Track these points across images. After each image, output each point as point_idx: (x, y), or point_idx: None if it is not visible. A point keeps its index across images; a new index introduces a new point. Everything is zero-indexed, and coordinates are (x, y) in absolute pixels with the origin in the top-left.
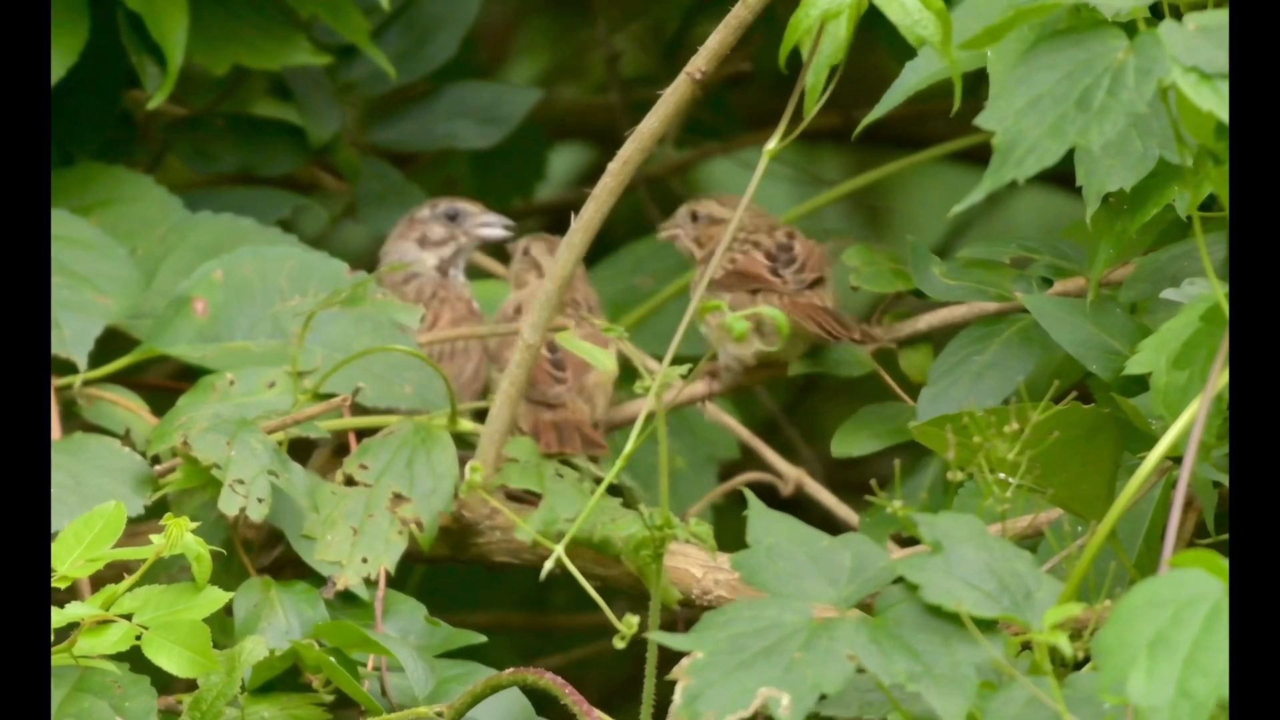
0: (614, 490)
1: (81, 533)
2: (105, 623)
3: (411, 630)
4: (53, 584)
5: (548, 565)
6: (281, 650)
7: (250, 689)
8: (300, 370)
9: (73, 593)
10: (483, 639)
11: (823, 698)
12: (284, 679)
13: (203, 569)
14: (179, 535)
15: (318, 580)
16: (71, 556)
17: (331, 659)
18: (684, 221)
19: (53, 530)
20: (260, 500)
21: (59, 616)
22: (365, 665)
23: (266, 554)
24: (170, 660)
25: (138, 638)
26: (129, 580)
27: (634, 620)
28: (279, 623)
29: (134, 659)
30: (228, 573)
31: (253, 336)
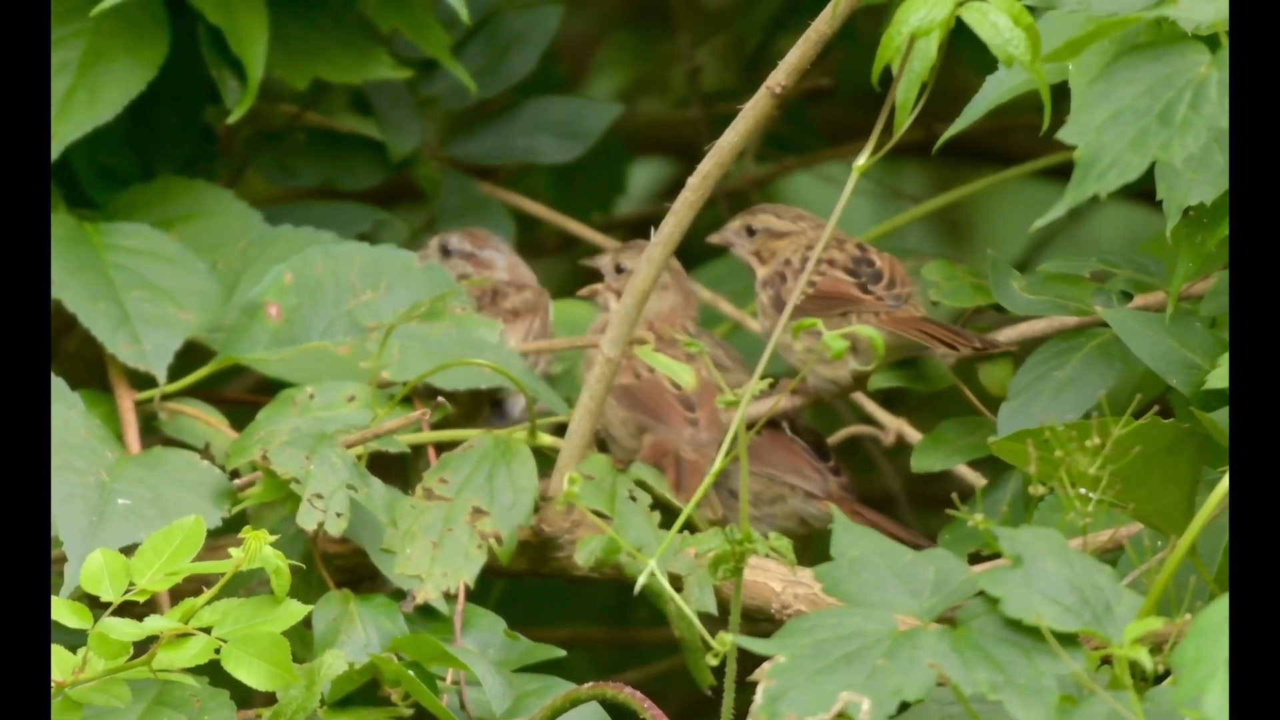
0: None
1: (161, 546)
2: (184, 636)
3: (491, 644)
4: (132, 597)
5: (640, 581)
6: (360, 664)
7: (329, 703)
8: (381, 382)
9: (152, 606)
10: (561, 653)
11: (904, 707)
12: (362, 692)
13: (281, 582)
14: (258, 548)
15: (397, 594)
16: (151, 570)
17: (410, 673)
18: (739, 235)
19: (132, 543)
20: (339, 515)
21: (138, 629)
22: (444, 680)
23: (346, 567)
24: (250, 673)
25: (217, 651)
26: (208, 593)
27: (727, 638)
28: (358, 636)
29: (213, 673)
30: (307, 586)
31: (330, 336)
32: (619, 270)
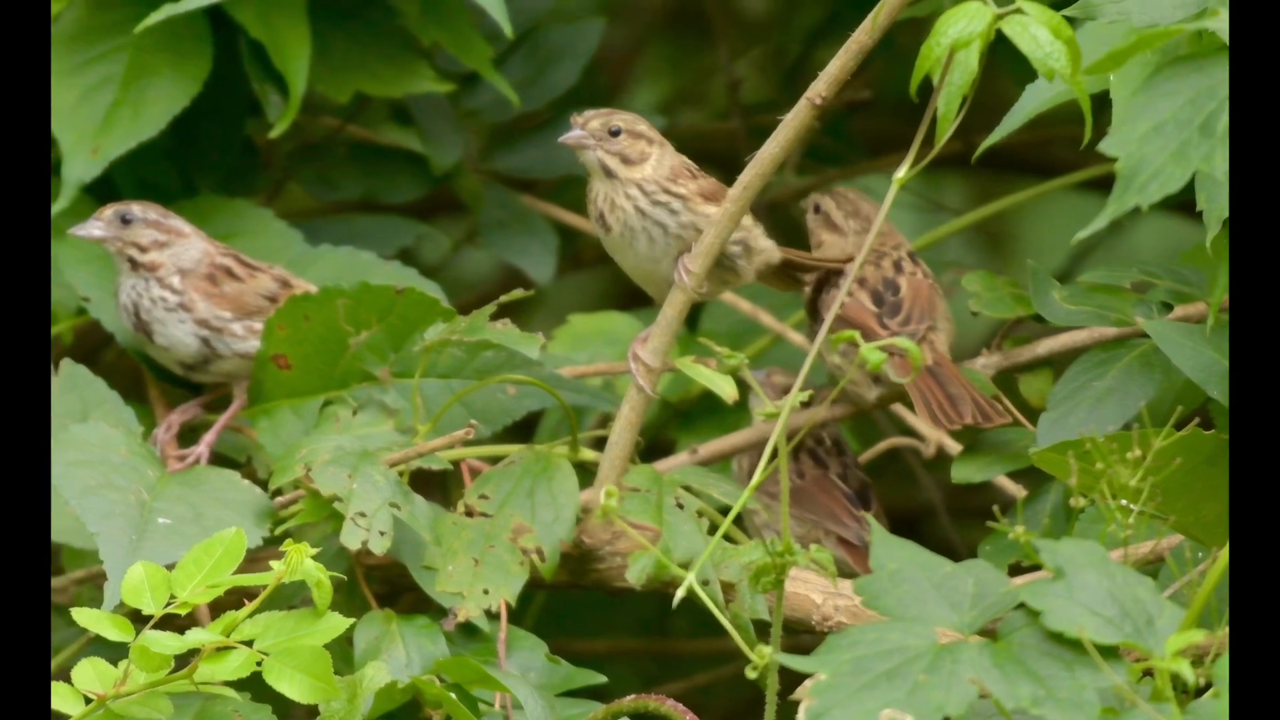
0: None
1: (202, 559)
2: (226, 649)
3: (532, 667)
4: (172, 610)
5: (679, 594)
6: (403, 684)
7: (370, 719)
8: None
9: (193, 620)
10: (603, 679)
11: None
12: (403, 712)
13: (323, 595)
14: (299, 561)
15: (439, 611)
16: (192, 583)
17: (452, 696)
18: (809, 208)
19: (172, 562)
20: (382, 533)
21: (180, 643)
22: (491, 705)
23: (386, 579)
24: (291, 686)
25: (258, 664)
26: (249, 606)
27: (766, 650)
28: (399, 656)
29: (255, 687)
30: (350, 603)
31: (344, 384)
32: (613, 134)
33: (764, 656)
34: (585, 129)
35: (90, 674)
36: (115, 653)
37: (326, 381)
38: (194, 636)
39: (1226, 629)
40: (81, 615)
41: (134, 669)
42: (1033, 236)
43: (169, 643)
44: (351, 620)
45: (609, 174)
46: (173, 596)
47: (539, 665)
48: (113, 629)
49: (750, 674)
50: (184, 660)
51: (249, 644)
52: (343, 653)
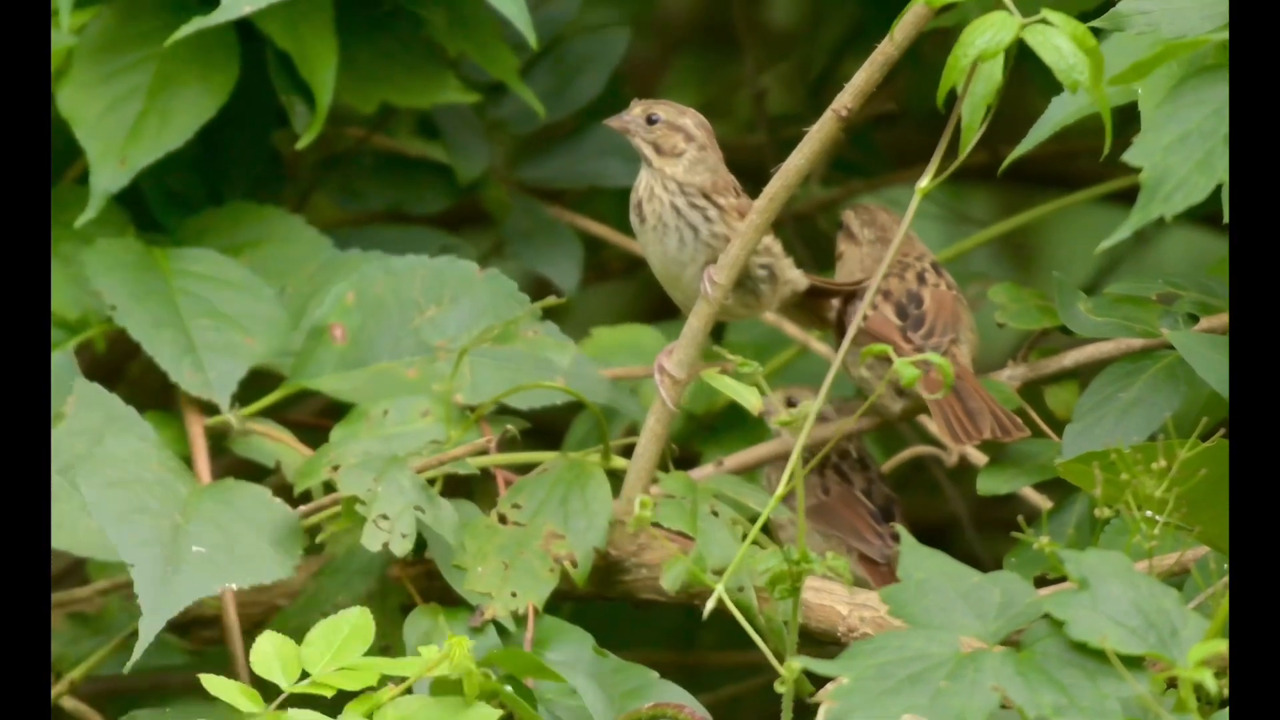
0: (767, 532)
1: (330, 636)
2: None
3: (580, 660)
4: (305, 689)
5: (710, 605)
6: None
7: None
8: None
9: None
10: (654, 674)
11: None
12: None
13: (472, 685)
14: (460, 654)
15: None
16: (322, 660)
17: (508, 688)
18: (845, 223)
19: (208, 594)
20: (404, 536)
21: None
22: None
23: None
24: None
25: None
26: (395, 690)
27: (795, 665)
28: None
29: None
30: (383, 606)
31: (397, 355)
32: (650, 121)
33: (794, 671)
34: (632, 115)
35: None
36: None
37: (381, 353)
38: None
39: None
40: (212, 683)
41: None
42: (1059, 249)
43: None
44: (500, 713)
45: (645, 160)
46: (305, 673)
47: (586, 658)
48: (244, 700)
49: (779, 688)
50: None
51: None
52: None
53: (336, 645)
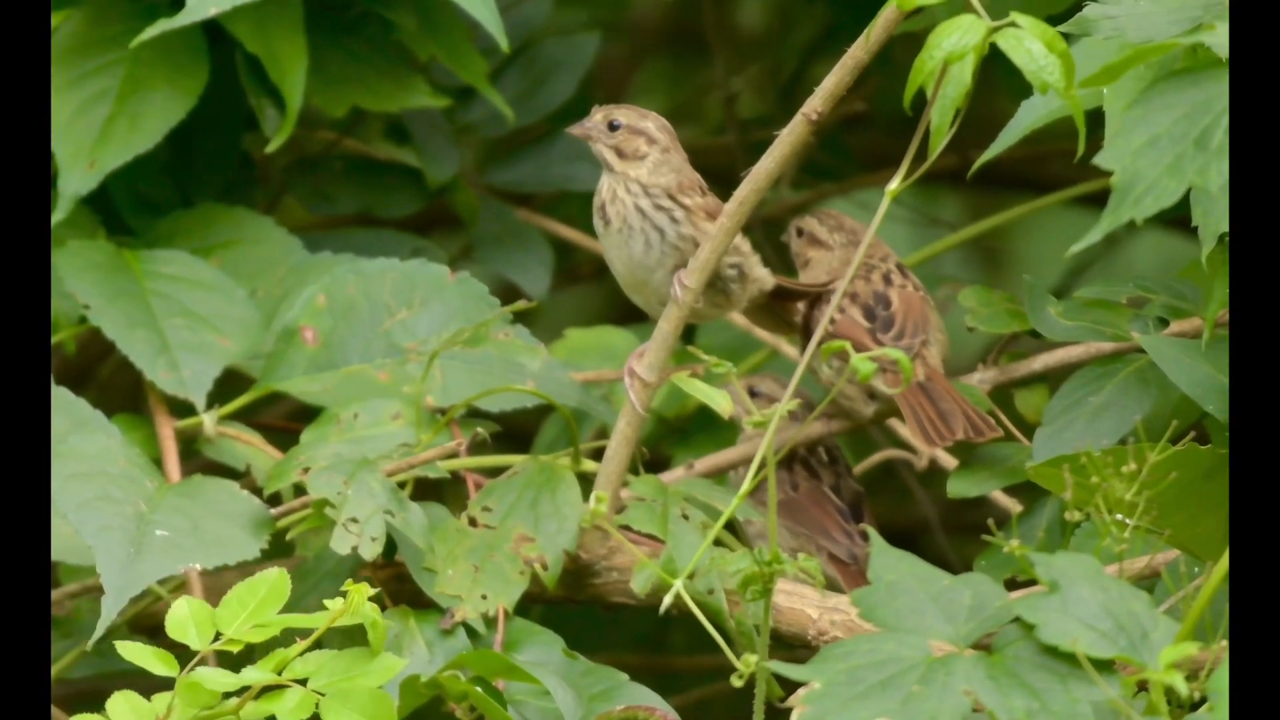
0: (734, 528)
1: (245, 597)
2: (280, 688)
3: (549, 662)
4: (222, 647)
5: (666, 601)
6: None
7: (400, 718)
8: (426, 405)
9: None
10: (624, 676)
11: None
12: (427, 709)
13: (378, 635)
14: (360, 601)
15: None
16: (237, 620)
17: (478, 689)
18: (792, 234)
19: (171, 574)
20: (374, 539)
21: (233, 680)
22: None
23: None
24: None
25: (315, 705)
26: (302, 644)
27: (752, 659)
28: (421, 652)
29: None
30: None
31: (368, 358)
32: (612, 127)
33: (750, 665)
34: (593, 121)
35: (124, 709)
36: (101, 668)
37: (352, 355)
38: (249, 675)
39: (1221, 643)
40: (126, 649)
41: (178, 703)
42: (1029, 252)
43: (221, 680)
44: (406, 661)
45: (606, 166)
46: (219, 633)
47: (556, 660)
48: (158, 664)
49: (736, 682)
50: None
51: (303, 683)
52: None
53: (252, 606)
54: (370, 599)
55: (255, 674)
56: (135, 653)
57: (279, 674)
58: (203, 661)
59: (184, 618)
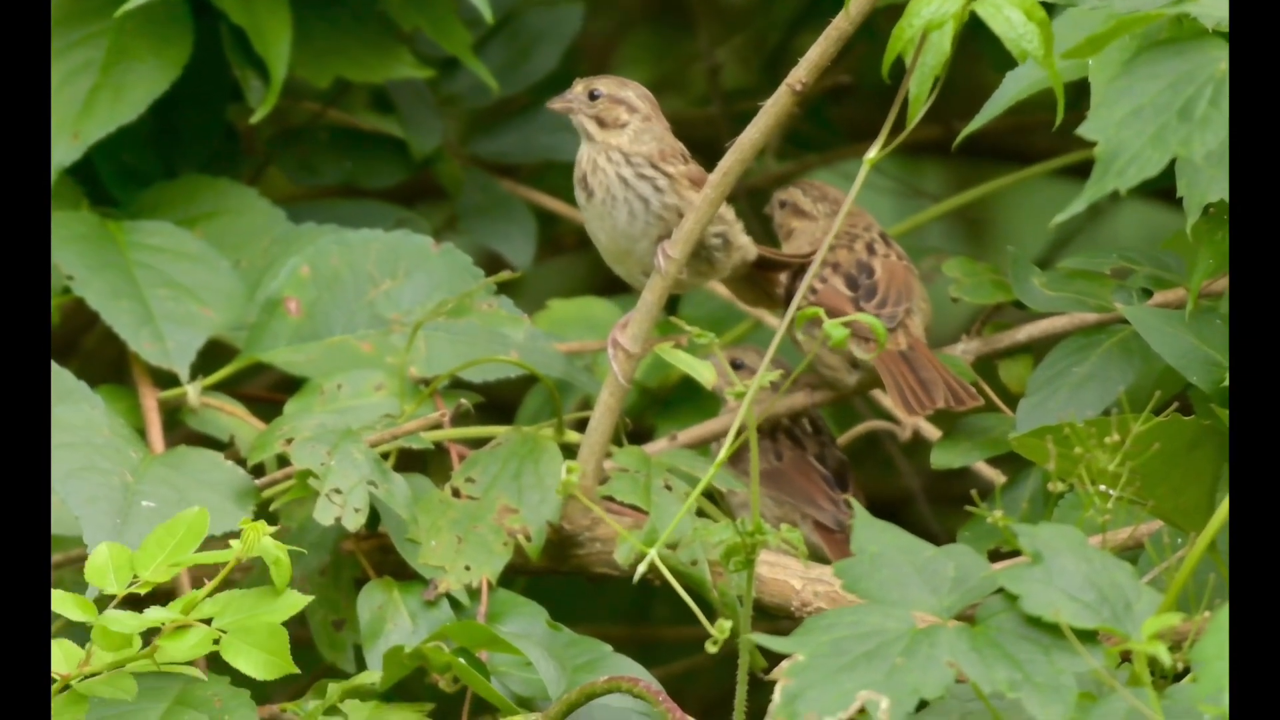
0: (715, 498)
1: (164, 539)
2: (184, 628)
3: (532, 634)
4: (134, 589)
5: (640, 570)
6: (410, 649)
7: (382, 689)
8: (410, 375)
9: (155, 600)
10: (608, 648)
11: (923, 704)
12: (412, 679)
13: (281, 573)
14: (256, 539)
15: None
16: (155, 562)
17: (461, 660)
18: (775, 207)
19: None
20: (357, 510)
21: (139, 621)
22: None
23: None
24: (249, 663)
25: (216, 642)
26: (209, 585)
27: (727, 625)
28: (404, 624)
29: (236, 671)
30: (336, 582)
31: (351, 329)
32: (592, 97)
33: (724, 631)
34: (574, 93)
35: (58, 656)
36: (83, 635)
37: (336, 326)
38: (153, 614)
39: (1205, 614)
40: (55, 599)
41: (97, 649)
42: (1013, 223)
43: (127, 621)
44: (309, 598)
45: (586, 136)
46: (135, 576)
47: (539, 631)
48: (76, 610)
49: (711, 648)
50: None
51: (208, 622)
52: (330, 638)
53: (170, 547)
54: (352, 572)
55: (161, 614)
56: (59, 601)
57: (186, 614)
58: (129, 607)
59: (103, 563)
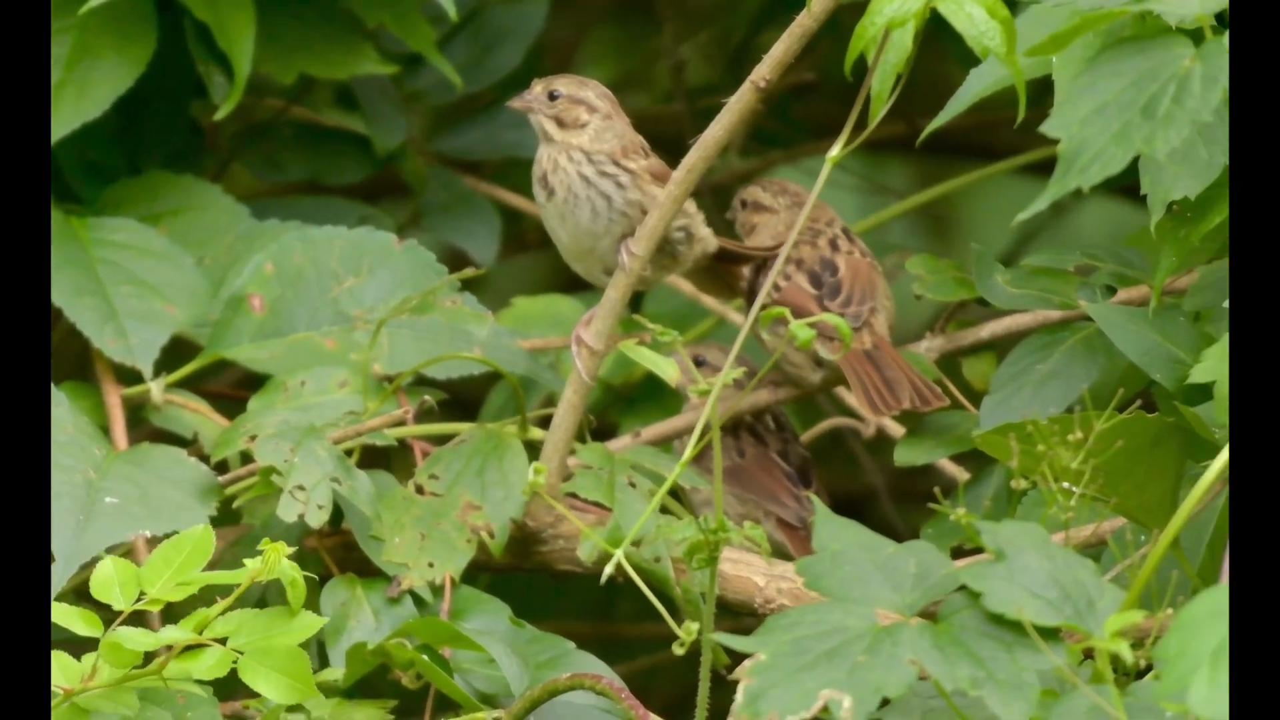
0: (679, 495)
1: (170, 556)
2: (199, 647)
3: (495, 630)
4: (144, 607)
5: (608, 570)
6: (373, 645)
7: (344, 687)
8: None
9: (157, 617)
10: (570, 645)
11: (885, 702)
12: (375, 676)
13: (297, 594)
14: (276, 560)
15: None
16: (161, 579)
17: (424, 656)
18: (736, 207)
19: (121, 541)
20: (320, 507)
21: (153, 639)
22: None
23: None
24: (268, 686)
25: (234, 663)
26: (221, 604)
27: (694, 627)
28: (368, 621)
29: (220, 685)
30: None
31: (315, 326)
32: (551, 97)
33: (691, 633)
34: (534, 94)
35: (55, 668)
36: (75, 645)
37: (299, 323)
38: (168, 634)
39: (1168, 611)
40: (56, 611)
41: (102, 663)
42: (977, 220)
43: (141, 639)
44: (325, 619)
45: (545, 136)
46: (143, 593)
47: (502, 628)
48: (82, 624)
49: (677, 650)
50: (152, 655)
51: (222, 642)
52: None
53: (176, 564)
54: (315, 569)
55: (175, 633)
56: (61, 614)
57: (199, 633)
58: (128, 621)
59: (109, 578)
